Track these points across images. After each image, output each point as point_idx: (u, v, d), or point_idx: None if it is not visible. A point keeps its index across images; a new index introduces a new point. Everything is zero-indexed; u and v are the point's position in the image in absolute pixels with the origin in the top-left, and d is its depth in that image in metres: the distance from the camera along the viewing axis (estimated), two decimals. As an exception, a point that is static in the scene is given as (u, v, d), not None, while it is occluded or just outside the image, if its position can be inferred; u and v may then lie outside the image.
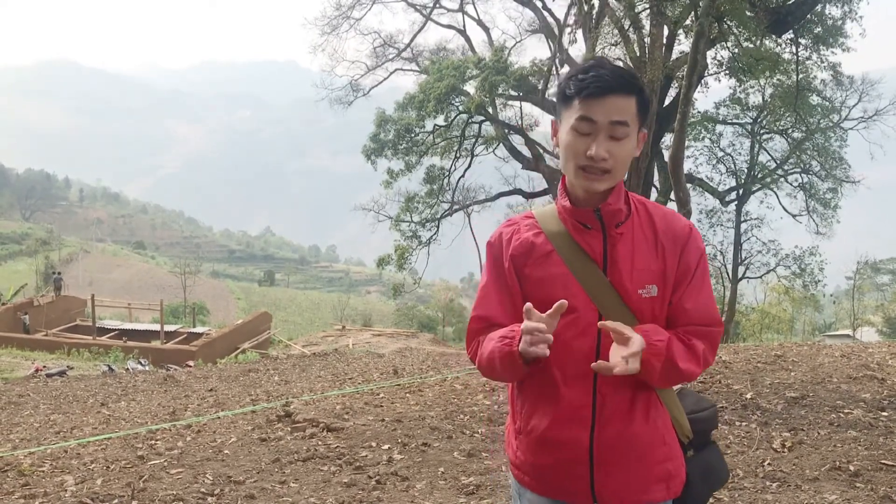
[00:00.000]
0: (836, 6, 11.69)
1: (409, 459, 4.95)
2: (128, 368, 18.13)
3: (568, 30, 14.04)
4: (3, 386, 12.57)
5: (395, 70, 19.05)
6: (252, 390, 10.25)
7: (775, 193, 20.88)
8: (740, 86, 15.27)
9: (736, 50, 10.78)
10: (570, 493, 1.69)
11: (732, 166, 20.38)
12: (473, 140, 17.52)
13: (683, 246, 1.66)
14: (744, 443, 4.93)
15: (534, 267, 1.69)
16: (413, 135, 16.69)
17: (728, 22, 9.65)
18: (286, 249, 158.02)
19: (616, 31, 11.55)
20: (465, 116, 16.58)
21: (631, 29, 11.12)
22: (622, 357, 1.51)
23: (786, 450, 4.71)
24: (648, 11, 10.48)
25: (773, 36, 10.73)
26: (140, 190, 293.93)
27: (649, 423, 1.66)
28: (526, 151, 16.32)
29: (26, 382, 13.49)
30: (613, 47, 11.92)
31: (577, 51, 14.67)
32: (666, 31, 10.44)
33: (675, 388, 1.76)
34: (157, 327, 27.03)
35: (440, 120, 16.67)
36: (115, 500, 4.15)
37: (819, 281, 20.69)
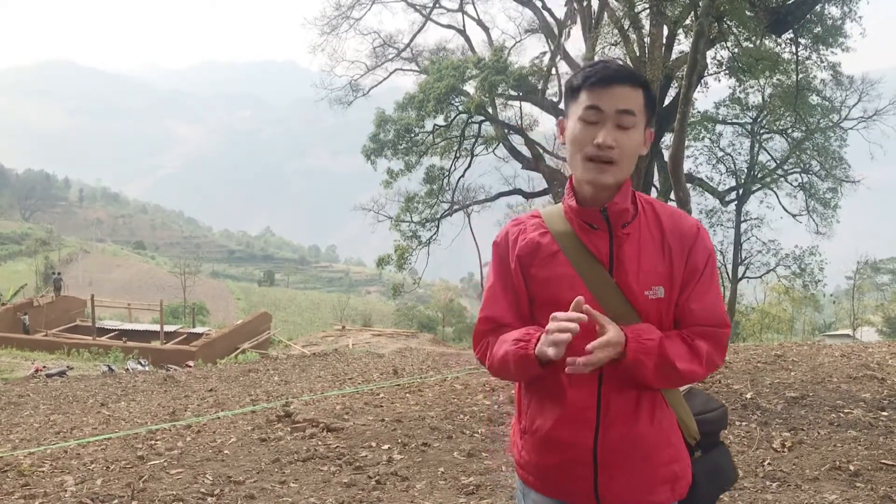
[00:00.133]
0: (836, 6, 11.67)
1: (408, 459, 4.95)
2: (128, 369, 18.14)
3: (566, 30, 14.06)
4: (2, 386, 12.57)
5: (395, 70, 19.04)
6: (252, 390, 10.26)
7: (775, 193, 20.85)
8: (740, 86, 15.22)
9: (736, 50, 10.77)
10: (572, 493, 1.68)
11: (732, 166, 20.34)
12: (473, 140, 17.49)
13: (691, 246, 1.64)
14: (744, 443, 4.93)
15: (540, 267, 1.67)
16: (413, 135, 16.65)
17: (728, 22, 9.65)
18: (286, 249, 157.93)
19: (616, 31, 11.55)
20: (464, 116, 16.54)
21: (631, 29, 11.12)
22: (587, 347, 1.49)
23: (786, 450, 4.71)
24: (648, 11, 10.49)
25: (773, 36, 10.72)
26: (140, 190, 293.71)
27: (654, 425, 1.64)
28: (526, 151, 16.31)
29: (26, 383, 13.50)
30: (613, 47, 11.93)
31: (574, 49, 14.67)
32: (666, 31, 10.45)
33: (682, 389, 1.74)
34: (156, 327, 26.94)
35: (440, 120, 16.64)
36: (115, 501, 4.14)
37: (819, 281, 20.67)
